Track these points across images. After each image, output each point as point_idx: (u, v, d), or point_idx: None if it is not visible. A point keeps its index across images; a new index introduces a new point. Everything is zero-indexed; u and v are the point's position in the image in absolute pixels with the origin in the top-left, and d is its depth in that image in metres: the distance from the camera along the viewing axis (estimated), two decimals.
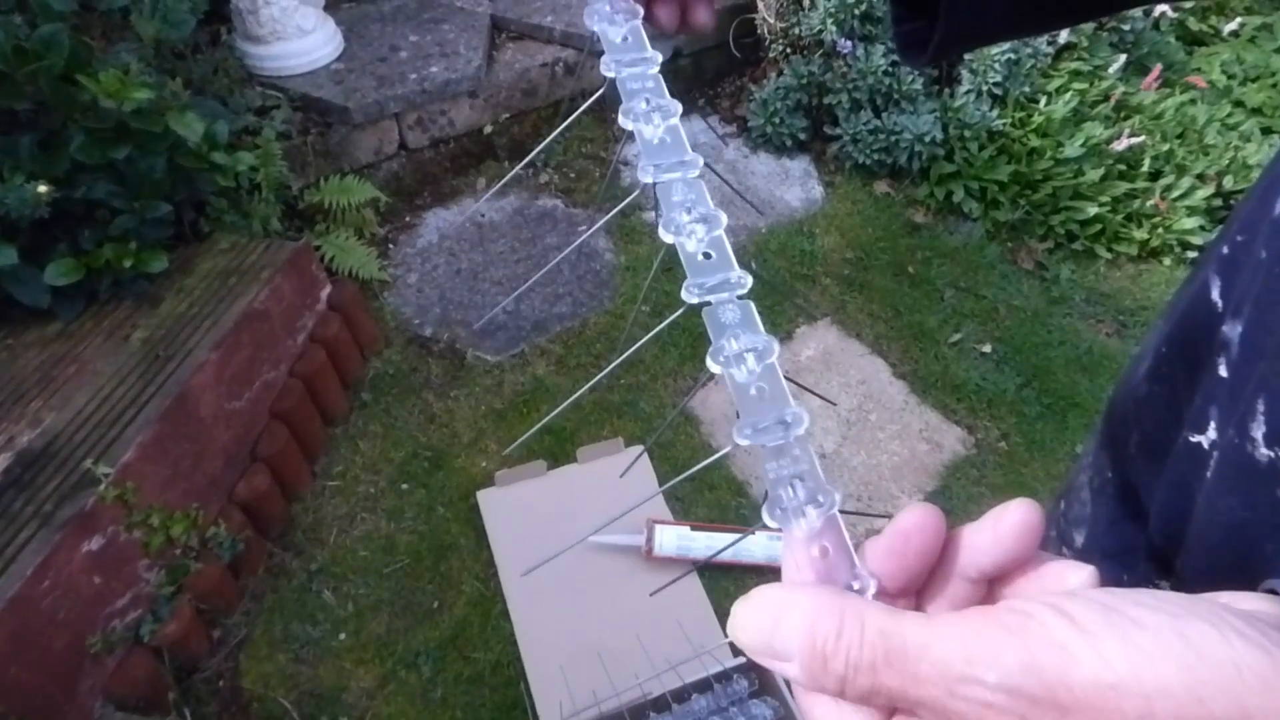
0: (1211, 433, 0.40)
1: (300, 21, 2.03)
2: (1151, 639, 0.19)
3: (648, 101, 0.38)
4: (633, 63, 0.39)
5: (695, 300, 0.32)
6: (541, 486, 1.68)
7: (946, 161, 2.31)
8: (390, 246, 2.16)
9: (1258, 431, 0.36)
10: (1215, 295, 0.42)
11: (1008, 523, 0.24)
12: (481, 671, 1.45)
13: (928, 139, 2.26)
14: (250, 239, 1.66)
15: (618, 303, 2.05)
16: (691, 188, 0.35)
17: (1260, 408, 0.36)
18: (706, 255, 0.33)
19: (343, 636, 1.51)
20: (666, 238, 0.34)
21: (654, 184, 0.35)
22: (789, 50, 2.38)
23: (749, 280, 0.33)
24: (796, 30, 2.32)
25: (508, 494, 1.66)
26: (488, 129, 2.26)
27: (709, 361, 0.31)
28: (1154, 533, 0.46)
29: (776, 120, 2.38)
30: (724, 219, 0.35)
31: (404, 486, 1.72)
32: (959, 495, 1.73)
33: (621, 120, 0.37)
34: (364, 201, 2.06)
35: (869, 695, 0.22)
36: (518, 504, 1.65)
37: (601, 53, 0.40)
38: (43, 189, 1.26)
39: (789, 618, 0.23)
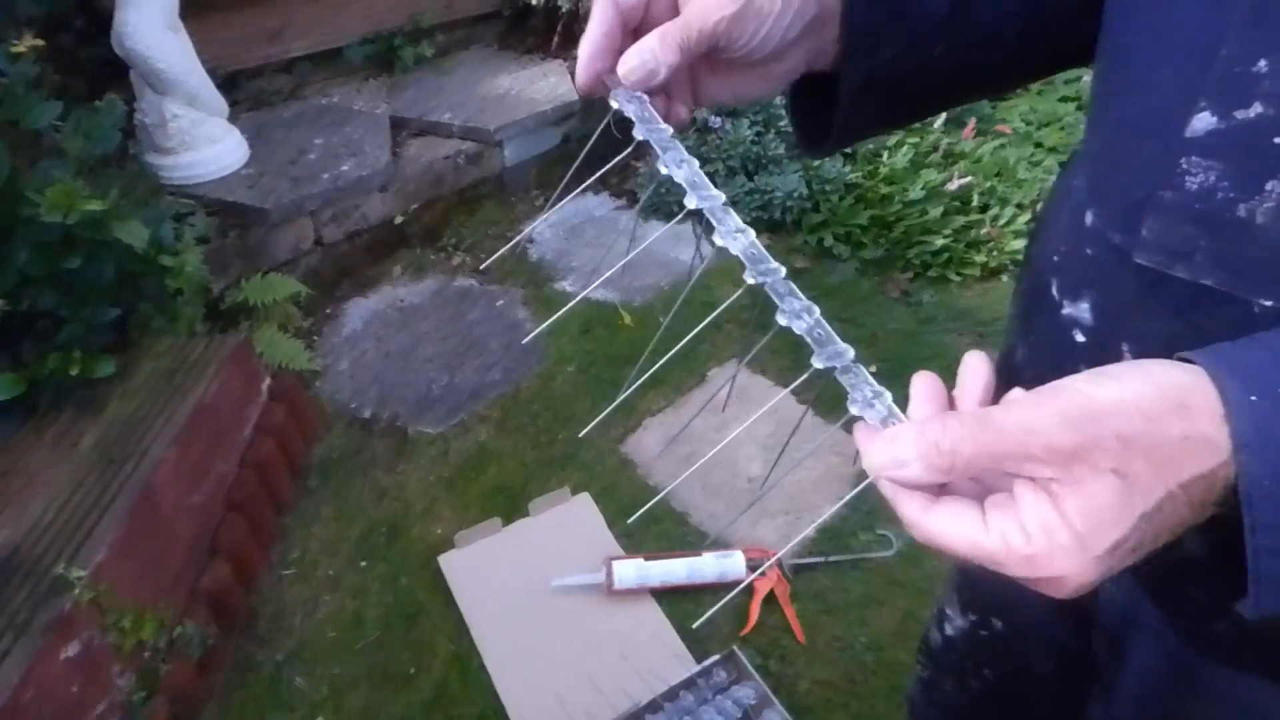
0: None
1: (209, 132, 2.07)
2: (1130, 376, 0.34)
3: (673, 155, 0.49)
4: (653, 129, 0.51)
5: (754, 281, 0.44)
6: (500, 542, 1.72)
7: (815, 212, 2.56)
8: (316, 338, 2.17)
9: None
10: (1054, 291, 0.56)
11: (973, 372, 0.40)
12: None
13: (796, 195, 2.51)
14: (187, 340, 1.66)
15: (545, 365, 2.14)
16: (726, 212, 0.47)
17: (1125, 350, 0.50)
18: (752, 258, 0.45)
19: (321, 719, 1.49)
20: (718, 241, 0.46)
21: (700, 209, 0.47)
22: None
23: (783, 269, 0.45)
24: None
25: (468, 554, 1.69)
26: (399, 219, 2.34)
27: (779, 318, 0.42)
28: None
29: (663, 190, 2.58)
30: (752, 232, 0.47)
31: (363, 563, 1.71)
32: (872, 494, 1.89)
33: (660, 166, 0.49)
34: (286, 297, 2.08)
35: (972, 461, 0.34)
36: (480, 562, 1.68)
37: (629, 119, 0.51)
38: None
39: (903, 437, 0.35)
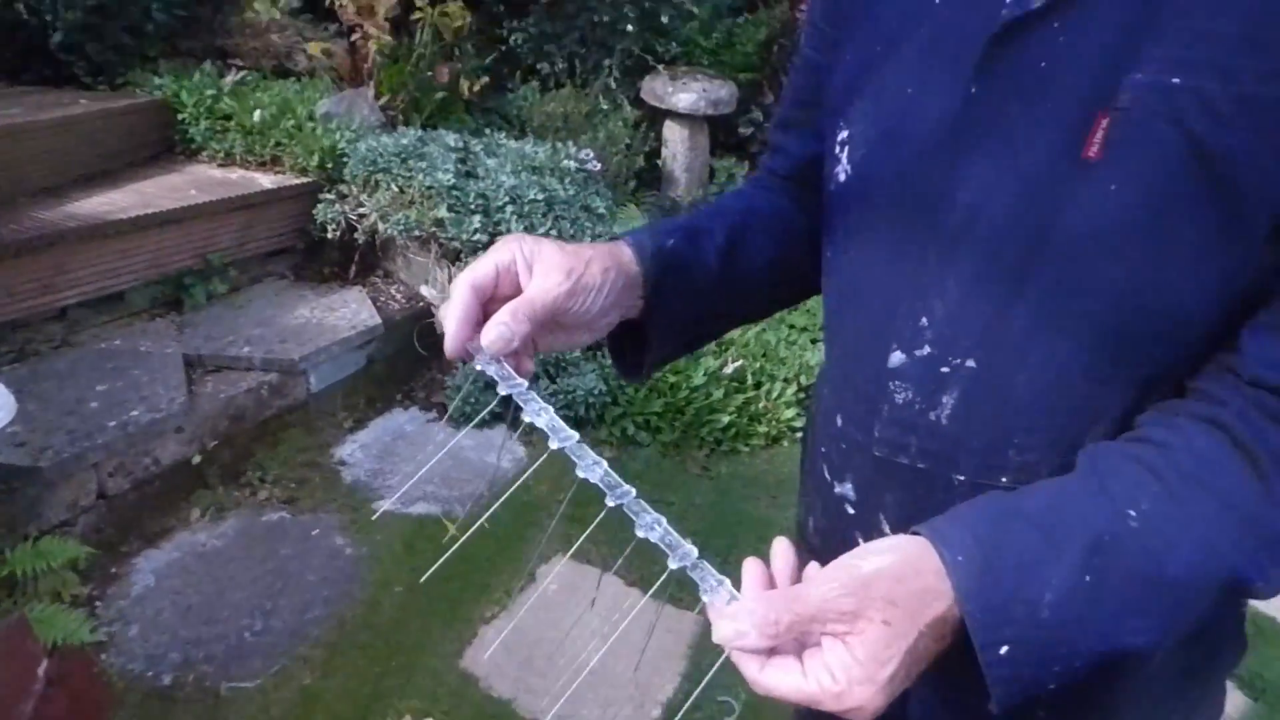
0: (860, 541, 0.69)
1: None
2: (882, 551, 0.48)
3: (533, 405, 0.60)
4: (514, 385, 0.62)
5: (613, 503, 0.55)
6: None
7: (614, 406, 2.77)
8: (99, 604, 1.93)
9: (886, 528, 0.66)
10: (827, 474, 0.72)
11: (781, 556, 0.52)
12: None
13: (596, 392, 2.71)
14: None
15: (370, 591, 2.05)
16: (581, 448, 0.58)
17: (882, 518, 0.66)
18: (609, 485, 0.56)
19: None
20: (581, 474, 0.56)
21: (564, 448, 0.58)
22: None
23: (633, 490, 0.56)
24: None
25: None
26: (196, 459, 2.21)
27: (638, 531, 0.53)
28: None
29: (472, 401, 2.68)
30: (604, 463, 0.58)
31: None
32: (707, 663, 1.95)
33: (525, 416, 0.60)
34: (63, 562, 1.85)
35: (792, 626, 0.45)
36: None
37: (492, 380, 0.61)
38: None
39: (741, 615, 0.46)
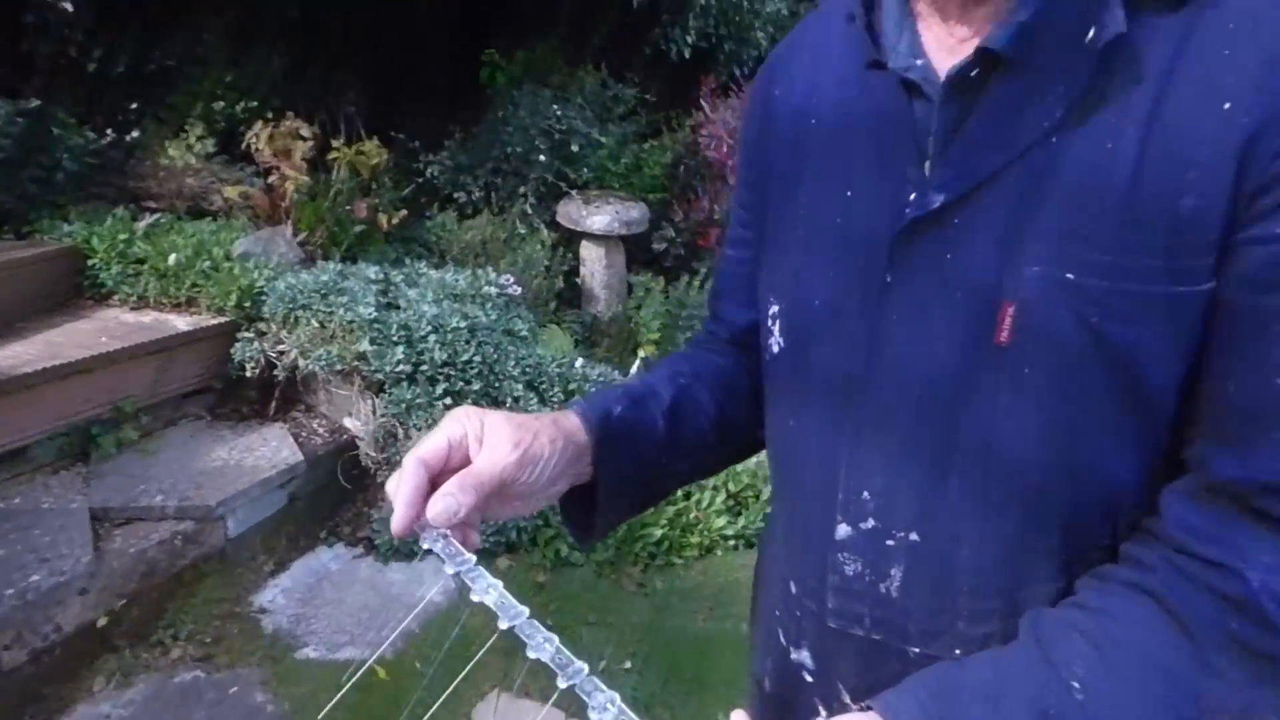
0: (820, 708, 0.69)
1: None
2: None
3: (481, 583, 0.62)
4: (461, 562, 0.63)
5: (566, 684, 0.57)
6: None
7: (547, 527, 2.75)
8: None
9: (845, 697, 0.66)
10: (782, 639, 0.72)
11: None
12: None
13: (526, 515, 2.69)
14: None
15: None
16: (532, 625, 0.61)
17: (840, 687, 0.66)
18: (560, 664, 0.58)
19: None
20: (532, 654, 0.59)
21: (514, 626, 0.60)
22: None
23: (585, 667, 0.59)
24: (397, 457, 2.67)
25: None
26: (102, 621, 2.06)
27: (591, 714, 0.55)
28: None
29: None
30: (555, 639, 0.60)
31: None
32: None
33: (474, 596, 0.62)
34: None
35: None
36: None
37: (438, 556, 0.63)
38: None
39: None
